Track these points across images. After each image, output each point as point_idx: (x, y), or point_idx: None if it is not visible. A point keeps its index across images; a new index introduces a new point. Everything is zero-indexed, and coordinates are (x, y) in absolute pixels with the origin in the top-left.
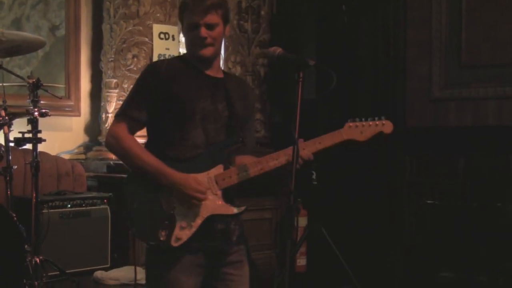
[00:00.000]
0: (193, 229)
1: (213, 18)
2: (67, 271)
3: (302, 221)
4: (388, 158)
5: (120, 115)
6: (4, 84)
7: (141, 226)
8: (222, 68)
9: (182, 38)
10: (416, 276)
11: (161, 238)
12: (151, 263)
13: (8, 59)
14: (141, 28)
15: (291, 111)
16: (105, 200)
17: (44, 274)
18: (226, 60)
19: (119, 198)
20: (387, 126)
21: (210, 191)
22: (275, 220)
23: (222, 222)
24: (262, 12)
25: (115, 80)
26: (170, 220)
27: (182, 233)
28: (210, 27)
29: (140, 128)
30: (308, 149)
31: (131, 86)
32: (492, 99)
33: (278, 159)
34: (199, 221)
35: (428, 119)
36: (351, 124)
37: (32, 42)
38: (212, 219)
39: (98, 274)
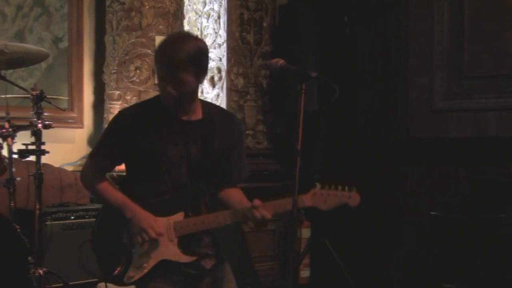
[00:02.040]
0: (145, 270)
1: (183, 76)
2: (70, 283)
3: (305, 233)
4: (389, 169)
5: (90, 158)
6: (8, 96)
7: (101, 258)
8: (224, 82)
9: None
10: (419, 287)
11: (115, 273)
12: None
13: (11, 71)
14: (143, 40)
15: (293, 123)
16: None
17: (47, 286)
18: (228, 71)
19: None
20: (353, 199)
21: (167, 237)
22: (278, 231)
23: (186, 265)
24: (264, 24)
25: (117, 92)
26: (128, 257)
27: (135, 272)
28: (179, 84)
29: (108, 171)
30: (266, 210)
31: (134, 98)
32: (494, 110)
33: (230, 218)
34: (151, 263)
35: (429, 130)
36: (316, 191)
37: (35, 54)
38: (170, 262)
39: (101, 286)
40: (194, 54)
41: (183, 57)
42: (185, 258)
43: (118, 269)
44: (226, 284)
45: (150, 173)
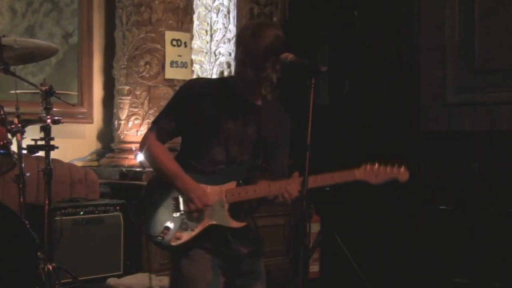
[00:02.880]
0: (193, 233)
1: (264, 64)
2: (79, 279)
3: (315, 227)
4: (402, 163)
5: (153, 123)
6: (17, 91)
7: (149, 221)
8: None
9: (194, 45)
10: (431, 281)
11: (162, 235)
12: (176, 261)
13: (21, 66)
14: (153, 35)
15: (304, 117)
16: (118, 207)
17: (57, 282)
18: None
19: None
20: (403, 175)
21: (218, 203)
22: (288, 226)
23: (233, 235)
24: (275, 18)
25: (127, 87)
26: (176, 222)
27: (183, 234)
28: (259, 69)
29: (170, 137)
30: (318, 182)
31: (143, 93)
32: (506, 103)
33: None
34: (200, 227)
35: (442, 124)
36: (368, 166)
37: (45, 50)
38: (220, 231)
39: (111, 281)
40: (276, 43)
41: (267, 47)
42: (234, 223)
43: (166, 231)
44: (260, 278)
45: (207, 142)
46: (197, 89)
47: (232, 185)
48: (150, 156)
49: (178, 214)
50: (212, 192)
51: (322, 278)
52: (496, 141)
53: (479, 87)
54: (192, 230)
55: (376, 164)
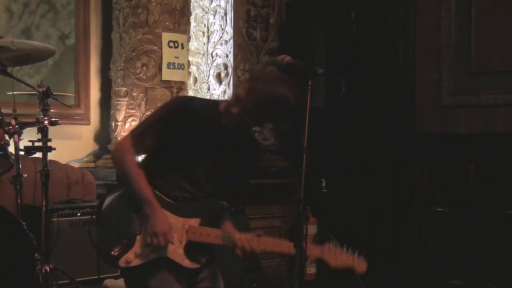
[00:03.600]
0: (144, 261)
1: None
2: (76, 280)
3: (312, 229)
4: (398, 165)
5: (132, 136)
6: (14, 93)
7: (102, 235)
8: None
9: (191, 47)
10: (427, 283)
11: (113, 253)
12: (142, 278)
13: (18, 68)
14: (150, 36)
15: (300, 119)
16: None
17: (54, 283)
18: (235, 68)
19: None
20: (361, 266)
21: (177, 237)
22: (284, 228)
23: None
24: (271, 20)
25: (124, 89)
26: (130, 242)
27: (134, 258)
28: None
29: (146, 152)
30: (260, 245)
31: (140, 94)
32: (502, 106)
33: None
34: (152, 256)
35: (437, 126)
36: (331, 247)
37: (42, 51)
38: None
39: (108, 282)
40: (283, 101)
41: (272, 100)
42: (188, 264)
43: (117, 249)
44: (219, 279)
45: (181, 167)
46: (188, 110)
47: (196, 221)
48: (122, 169)
49: (134, 234)
50: (175, 224)
51: (318, 280)
52: (492, 143)
53: (475, 89)
54: (145, 257)
55: (339, 248)
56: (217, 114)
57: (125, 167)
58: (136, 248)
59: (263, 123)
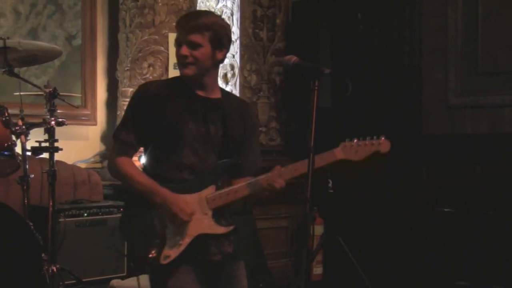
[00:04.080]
0: (182, 247)
1: (195, 37)
2: (83, 280)
3: (318, 229)
4: (405, 166)
5: (114, 139)
6: (21, 93)
7: (135, 246)
8: (238, 78)
9: None
10: (433, 284)
11: (150, 256)
12: (154, 276)
13: (24, 68)
14: (156, 37)
15: (307, 119)
16: (121, 209)
17: (61, 283)
18: (241, 68)
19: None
20: (384, 145)
21: (200, 211)
22: (291, 228)
23: (213, 239)
24: (277, 21)
25: (131, 89)
26: (161, 239)
27: (171, 251)
28: (192, 46)
29: (134, 150)
30: (299, 169)
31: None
32: (509, 106)
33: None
34: (187, 239)
35: (444, 127)
36: (346, 143)
37: (49, 52)
38: (203, 237)
39: (115, 282)
40: (211, 23)
41: (200, 21)
42: (221, 229)
43: (153, 251)
44: (241, 282)
45: (170, 147)
46: (151, 93)
47: (211, 189)
48: (120, 175)
49: (163, 230)
50: (192, 201)
51: (325, 280)
52: (499, 143)
53: (481, 90)
54: (180, 244)
55: (355, 140)
56: (183, 82)
57: (120, 173)
58: (169, 241)
59: (215, 48)
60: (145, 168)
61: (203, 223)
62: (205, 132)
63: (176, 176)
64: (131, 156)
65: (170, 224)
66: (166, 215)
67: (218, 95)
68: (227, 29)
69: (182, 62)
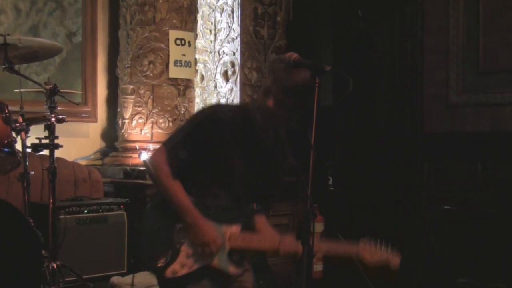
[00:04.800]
0: (190, 270)
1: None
2: (84, 277)
3: (319, 227)
4: (406, 164)
5: (167, 148)
6: (22, 90)
7: (146, 247)
8: (238, 76)
9: (198, 44)
10: (434, 282)
11: (158, 265)
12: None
13: (25, 65)
14: (157, 34)
15: (308, 117)
16: (122, 206)
17: (61, 280)
18: (242, 66)
19: (136, 204)
20: (395, 261)
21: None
22: (291, 226)
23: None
24: (278, 18)
25: (131, 86)
26: (174, 252)
27: (180, 269)
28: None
29: (181, 165)
30: (322, 249)
31: (147, 92)
32: (510, 104)
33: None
34: (197, 265)
35: (445, 125)
36: (366, 244)
37: (49, 49)
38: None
39: (115, 279)
40: (306, 84)
41: (299, 84)
42: (233, 270)
43: (163, 260)
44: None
45: (215, 176)
46: (221, 119)
47: (237, 228)
48: (160, 183)
49: (178, 245)
50: (217, 232)
51: (325, 277)
52: (500, 142)
53: (483, 88)
54: (190, 267)
55: (373, 244)
56: (249, 116)
57: (161, 180)
58: (182, 258)
59: (295, 111)
60: (179, 178)
61: (218, 257)
62: (252, 174)
63: (207, 203)
64: (174, 169)
65: (188, 243)
66: (192, 238)
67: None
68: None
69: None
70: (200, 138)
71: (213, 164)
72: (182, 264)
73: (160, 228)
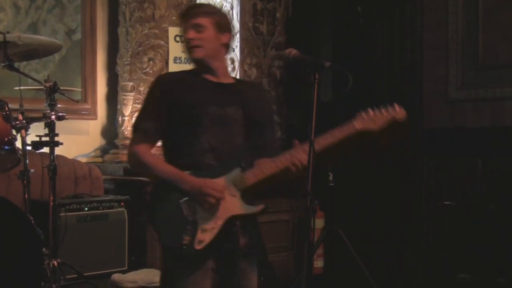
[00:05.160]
0: (215, 231)
1: (199, 20)
2: (84, 274)
3: (319, 223)
4: (406, 159)
5: (133, 130)
6: (21, 88)
7: (166, 234)
8: (238, 72)
9: None
10: (434, 277)
11: (185, 243)
12: (167, 267)
13: (25, 63)
14: (156, 31)
15: (308, 113)
16: (122, 203)
17: (62, 277)
18: (242, 62)
19: (136, 201)
20: (399, 113)
21: (229, 194)
22: (292, 222)
23: (235, 226)
24: (278, 15)
25: (131, 83)
26: (193, 225)
27: (205, 235)
28: (197, 30)
29: (154, 139)
30: (321, 143)
31: (147, 89)
32: (510, 99)
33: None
34: (219, 222)
35: (445, 121)
36: (363, 114)
37: (49, 46)
38: (231, 221)
39: (116, 277)
40: (213, 9)
41: (202, 8)
42: (252, 209)
43: (187, 238)
44: (250, 278)
45: (191, 132)
46: (169, 81)
47: (237, 171)
48: (141, 164)
49: (193, 216)
50: (220, 184)
51: (326, 273)
52: (500, 137)
53: (482, 83)
54: (213, 228)
55: (370, 110)
56: (195, 73)
57: (141, 163)
58: (201, 225)
59: (221, 30)
60: (165, 158)
61: (233, 205)
62: (224, 115)
63: (199, 162)
64: (151, 146)
65: (200, 209)
66: (196, 200)
67: (231, 80)
68: (228, 17)
69: (189, 46)
70: (161, 106)
71: (185, 123)
72: (205, 229)
73: (169, 210)
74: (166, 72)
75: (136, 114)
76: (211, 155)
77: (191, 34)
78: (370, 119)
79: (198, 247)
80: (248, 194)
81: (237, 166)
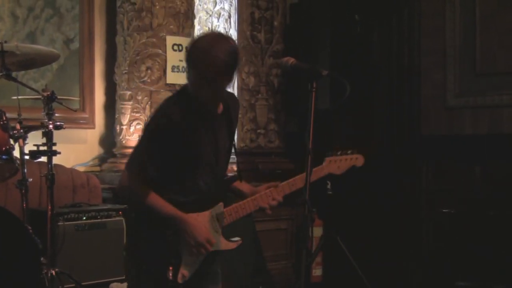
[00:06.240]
0: (196, 265)
1: (222, 82)
2: (82, 283)
3: (318, 231)
4: (404, 167)
5: (139, 169)
6: (19, 97)
7: (151, 267)
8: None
9: None
10: (433, 285)
11: (170, 277)
12: None
13: (23, 72)
14: (154, 40)
15: (305, 121)
16: (120, 212)
17: (60, 286)
18: (239, 71)
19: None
20: (359, 160)
21: (212, 229)
22: (290, 230)
23: (214, 262)
24: (275, 23)
25: (129, 92)
26: (177, 259)
27: (186, 270)
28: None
29: (153, 178)
30: (295, 185)
31: (145, 98)
32: (508, 106)
33: (274, 196)
34: (201, 257)
35: (443, 127)
36: (330, 159)
37: (47, 55)
38: (212, 256)
39: (114, 286)
40: (230, 58)
41: (221, 64)
42: (232, 245)
43: (171, 271)
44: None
45: (190, 171)
46: (177, 121)
47: (220, 207)
48: (142, 205)
49: (177, 250)
50: (205, 220)
51: (324, 282)
52: (498, 144)
53: (480, 90)
54: (195, 263)
55: (338, 152)
56: (195, 104)
57: (143, 202)
58: (185, 260)
59: (232, 79)
60: (156, 191)
61: (216, 241)
62: (217, 150)
63: (192, 198)
64: (149, 182)
65: (188, 246)
66: (186, 239)
67: (221, 107)
68: (238, 49)
69: (215, 98)
70: (164, 149)
71: (184, 163)
72: (188, 263)
73: (154, 242)
74: (164, 104)
75: (134, 123)
76: (203, 191)
77: (224, 91)
78: (336, 165)
79: (180, 281)
80: (227, 229)
81: (221, 201)
